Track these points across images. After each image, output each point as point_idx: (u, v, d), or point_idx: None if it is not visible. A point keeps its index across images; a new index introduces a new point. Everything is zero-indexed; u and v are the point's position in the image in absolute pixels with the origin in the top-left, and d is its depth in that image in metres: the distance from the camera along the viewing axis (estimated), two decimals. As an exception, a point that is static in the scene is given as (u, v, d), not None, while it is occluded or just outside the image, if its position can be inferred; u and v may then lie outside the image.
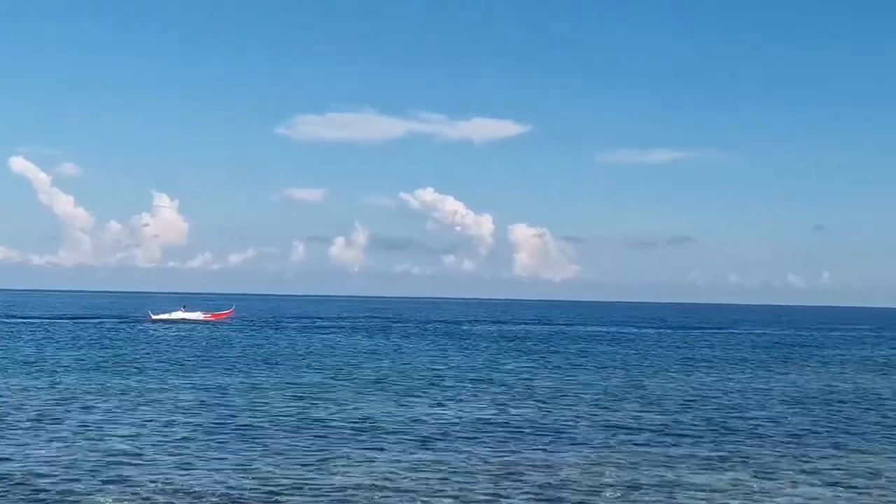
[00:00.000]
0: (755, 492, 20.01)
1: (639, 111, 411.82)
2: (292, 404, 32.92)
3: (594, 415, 31.99)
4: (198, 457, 22.63)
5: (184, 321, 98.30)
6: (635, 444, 25.93)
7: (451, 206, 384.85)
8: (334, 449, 24.15)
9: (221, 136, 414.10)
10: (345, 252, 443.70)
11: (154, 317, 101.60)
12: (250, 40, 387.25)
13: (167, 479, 20.04)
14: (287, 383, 40.13)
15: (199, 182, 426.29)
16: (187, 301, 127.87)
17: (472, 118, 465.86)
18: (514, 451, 24.33)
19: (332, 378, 42.98)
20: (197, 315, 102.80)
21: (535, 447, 25.09)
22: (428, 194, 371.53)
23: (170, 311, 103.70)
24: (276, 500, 18.49)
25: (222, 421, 28.54)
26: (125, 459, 22.05)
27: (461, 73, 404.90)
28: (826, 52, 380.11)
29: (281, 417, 29.61)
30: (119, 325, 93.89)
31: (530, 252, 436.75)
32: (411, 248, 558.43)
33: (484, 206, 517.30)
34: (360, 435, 26.55)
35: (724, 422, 30.88)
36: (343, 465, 21.96)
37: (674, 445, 25.87)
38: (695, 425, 29.93)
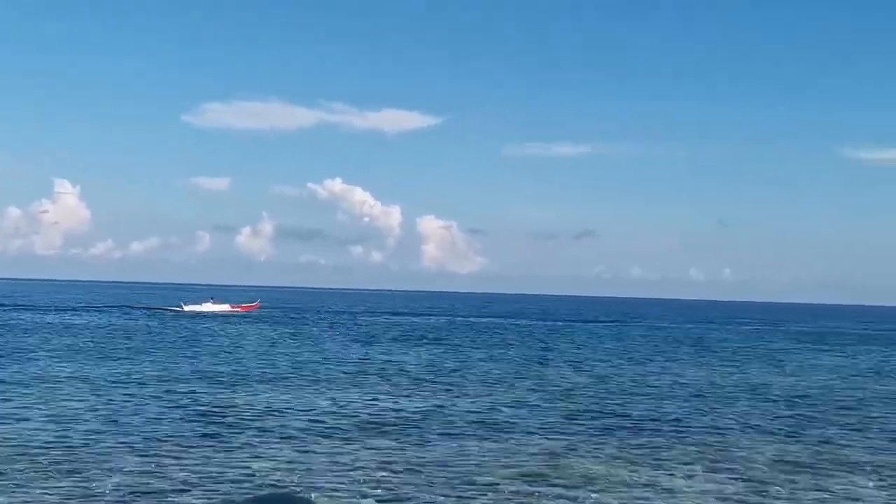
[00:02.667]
0: (647, 484, 20.42)
1: (545, 104, 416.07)
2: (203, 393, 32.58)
3: (484, 407, 32.31)
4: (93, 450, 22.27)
5: (213, 313, 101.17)
6: (516, 436, 26.24)
7: (360, 196, 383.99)
8: (233, 438, 24.01)
9: (125, 123, 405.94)
10: (251, 242, 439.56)
11: (186, 308, 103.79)
12: (156, 25, 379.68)
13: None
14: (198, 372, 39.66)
15: (102, 169, 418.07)
16: (214, 293, 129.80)
17: (382, 109, 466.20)
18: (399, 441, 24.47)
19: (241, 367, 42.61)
20: (225, 307, 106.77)
21: (431, 438, 25.29)
22: (336, 185, 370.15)
23: (200, 303, 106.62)
24: (181, 490, 18.25)
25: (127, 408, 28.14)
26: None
27: (371, 64, 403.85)
28: (731, 47, 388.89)
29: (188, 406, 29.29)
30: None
31: (438, 244, 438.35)
32: (319, 239, 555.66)
33: (392, 198, 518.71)
34: (261, 425, 26.40)
35: (614, 412, 31.57)
36: (245, 455, 21.81)
37: (564, 437, 26.32)
38: (583, 415, 30.54)
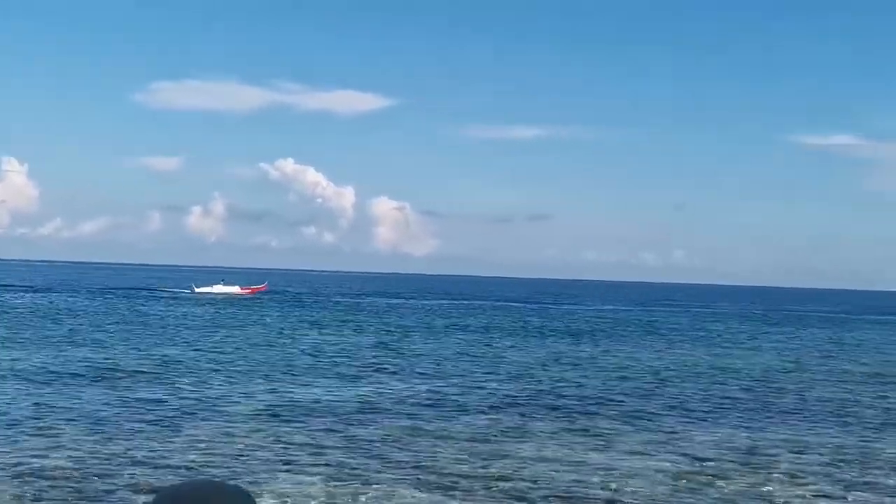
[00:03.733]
0: (593, 464, 20.67)
1: (501, 87, 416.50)
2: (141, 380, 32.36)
3: (431, 386, 32.49)
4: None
5: (224, 294, 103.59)
6: (460, 416, 26.42)
7: (312, 177, 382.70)
8: (183, 423, 23.95)
9: (75, 101, 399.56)
10: (202, 222, 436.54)
11: (197, 290, 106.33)
12: (104, 3, 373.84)
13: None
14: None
15: (51, 147, 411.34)
16: (225, 275, 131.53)
17: (335, 90, 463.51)
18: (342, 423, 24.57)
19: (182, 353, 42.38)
20: (235, 289, 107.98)
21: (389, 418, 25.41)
22: (288, 165, 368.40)
23: (211, 285, 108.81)
24: (127, 474, 18.18)
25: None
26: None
27: (324, 44, 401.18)
28: (685, 34, 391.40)
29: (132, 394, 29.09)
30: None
31: (391, 225, 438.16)
32: (271, 220, 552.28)
33: (345, 179, 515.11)
34: (202, 412, 26.33)
35: (556, 393, 31.89)
36: (183, 443, 21.76)
37: (506, 416, 26.57)
38: (527, 395, 30.84)
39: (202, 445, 21.30)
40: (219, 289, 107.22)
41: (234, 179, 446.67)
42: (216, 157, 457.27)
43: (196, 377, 33.24)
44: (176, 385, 31.15)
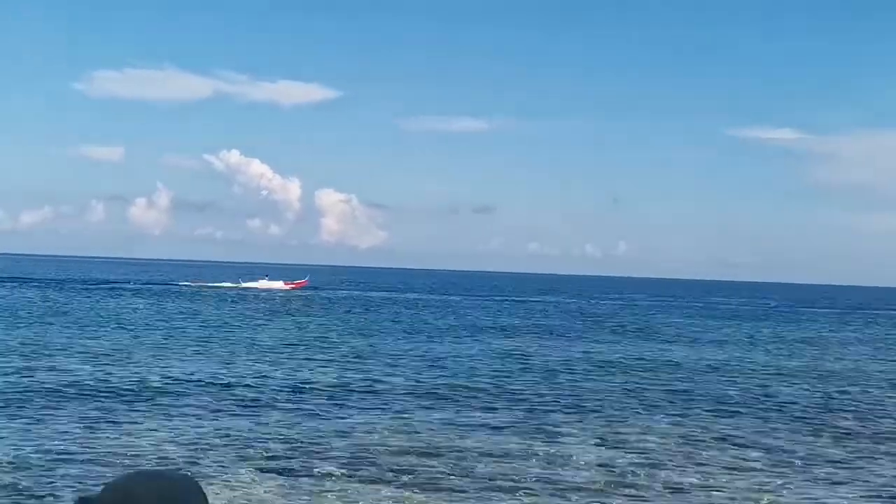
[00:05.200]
0: (545, 455, 20.85)
1: (445, 79, 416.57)
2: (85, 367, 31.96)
3: (371, 379, 32.51)
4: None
5: (268, 289, 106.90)
6: (409, 409, 26.48)
7: (257, 169, 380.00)
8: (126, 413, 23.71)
9: (11, 89, 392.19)
10: (145, 213, 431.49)
11: (244, 284, 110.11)
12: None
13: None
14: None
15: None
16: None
17: (279, 80, 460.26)
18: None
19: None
20: (279, 284, 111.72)
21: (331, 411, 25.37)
22: (233, 156, 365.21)
23: (256, 280, 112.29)
24: (70, 467, 17.95)
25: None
26: None
27: (268, 34, 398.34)
28: (628, 27, 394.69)
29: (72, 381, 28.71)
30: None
31: (337, 218, 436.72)
32: (215, 211, 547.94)
33: (291, 170, 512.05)
34: (155, 399, 26.09)
35: (495, 385, 32.06)
36: (139, 432, 21.56)
37: (454, 410, 26.64)
38: (476, 387, 30.99)
39: (148, 437, 21.11)
40: (264, 283, 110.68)
41: (177, 170, 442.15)
42: (159, 148, 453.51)
43: (139, 366, 32.89)
44: (111, 373, 30.80)
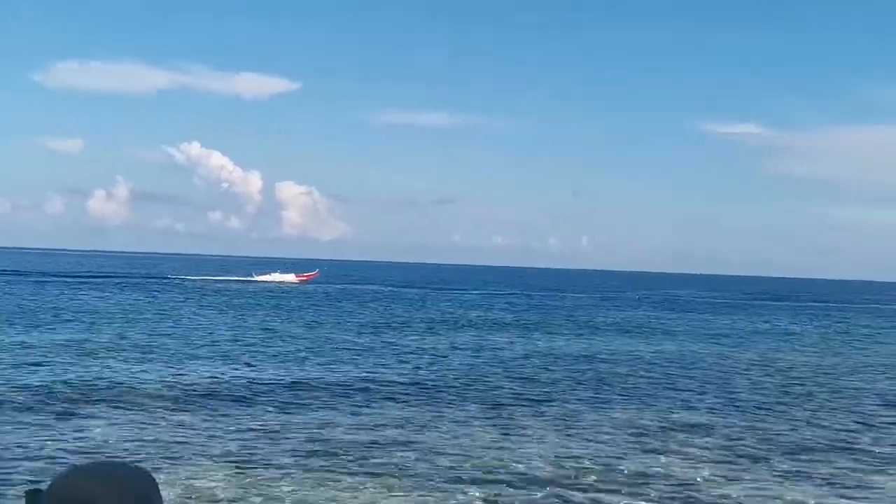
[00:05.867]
0: (507, 448, 20.91)
1: (408, 72, 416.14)
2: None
3: (331, 373, 32.45)
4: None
5: (281, 282, 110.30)
6: (372, 403, 26.40)
7: (218, 161, 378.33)
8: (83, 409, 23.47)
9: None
10: (105, 206, 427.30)
11: (258, 277, 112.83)
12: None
13: None
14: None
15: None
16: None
17: (242, 73, 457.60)
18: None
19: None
20: (290, 277, 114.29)
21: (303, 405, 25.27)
22: (193, 149, 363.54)
23: (270, 273, 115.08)
24: (21, 461, 17.75)
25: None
26: None
27: (230, 26, 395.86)
28: (591, 25, 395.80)
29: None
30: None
31: (298, 210, 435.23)
32: (175, 204, 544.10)
33: (252, 163, 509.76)
34: (116, 396, 25.84)
35: (460, 380, 32.05)
36: (92, 426, 21.35)
37: (419, 405, 26.61)
38: (437, 382, 30.97)
39: (101, 430, 20.90)
40: (277, 277, 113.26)
41: (137, 163, 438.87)
42: (119, 140, 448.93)
43: (96, 360, 32.58)
44: (100, 368, 30.53)
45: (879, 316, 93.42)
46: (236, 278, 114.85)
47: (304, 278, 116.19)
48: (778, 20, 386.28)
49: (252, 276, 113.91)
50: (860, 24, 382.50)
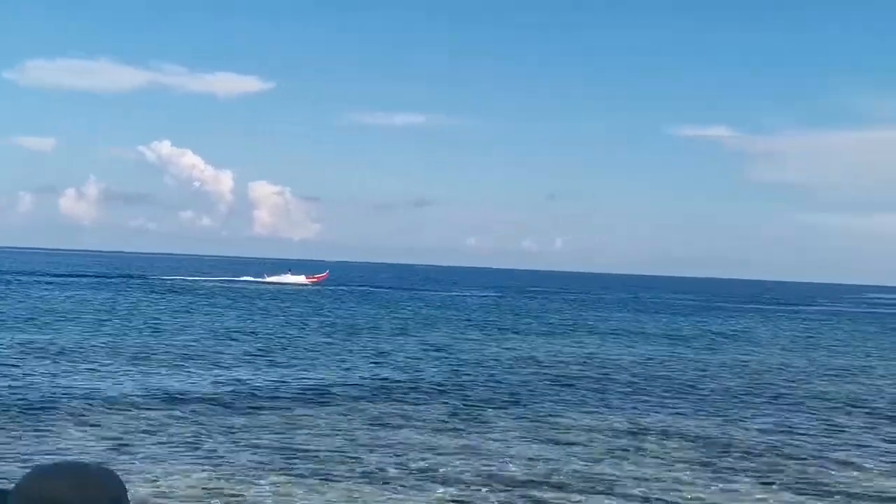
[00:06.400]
0: (478, 449, 20.91)
1: (385, 73, 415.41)
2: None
3: (304, 374, 32.40)
4: None
5: (292, 284, 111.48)
6: (339, 403, 26.41)
7: (190, 160, 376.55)
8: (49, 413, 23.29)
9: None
10: (76, 205, 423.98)
11: (269, 278, 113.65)
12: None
13: None
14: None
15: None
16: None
17: (216, 72, 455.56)
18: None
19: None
20: (301, 278, 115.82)
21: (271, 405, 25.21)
22: (165, 148, 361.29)
23: (280, 274, 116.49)
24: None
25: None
26: None
27: (204, 26, 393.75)
28: (564, 27, 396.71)
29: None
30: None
31: (270, 210, 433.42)
32: (148, 203, 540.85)
33: (224, 163, 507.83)
34: (84, 399, 25.67)
35: (431, 380, 32.06)
36: (62, 428, 21.20)
37: (379, 403, 26.66)
38: (404, 382, 30.98)
39: (71, 433, 20.74)
40: (288, 278, 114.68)
41: (109, 161, 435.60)
42: (91, 139, 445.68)
43: (57, 365, 32.35)
44: (33, 372, 30.26)
45: (850, 319, 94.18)
46: (249, 279, 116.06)
47: (315, 280, 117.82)
48: (747, 24, 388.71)
49: (264, 278, 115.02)
50: (835, 29, 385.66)
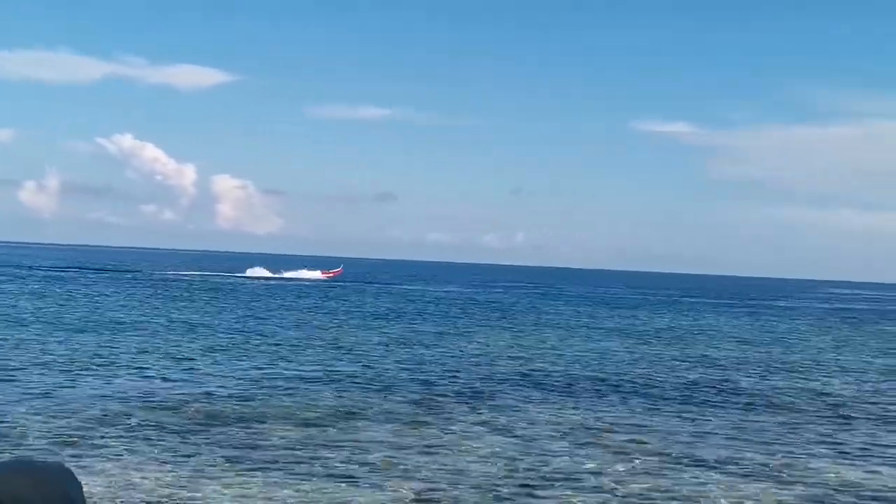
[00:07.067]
0: (438, 445, 20.92)
1: (347, 67, 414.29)
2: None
3: (263, 368, 32.33)
4: None
5: (308, 279, 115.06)
6: (302, 395, 26.48)
7: (152, 153, 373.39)
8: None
9: None
10: (35, 198, 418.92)
11: (286, 273, 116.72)
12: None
13: None
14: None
15: None
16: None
17: (178, 64, 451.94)
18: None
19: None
20: (317, 274, 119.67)
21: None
22: (127, 140, 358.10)
23: (297, 270, 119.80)
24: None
25: None
26: None
27: (165, 17, 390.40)
28: (529, 25, 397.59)
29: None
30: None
31: (233, 204, 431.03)
32: (109, 196, 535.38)
33: (187, 156, 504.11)
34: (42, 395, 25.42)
35: (392, 375, 32.09)
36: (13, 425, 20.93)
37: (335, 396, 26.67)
38: (369, 375, 30.99)
39: (24, 430, 20.48)
40: (304, 273, 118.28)
41: (69, 154, 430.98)
42: (51, 131, 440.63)
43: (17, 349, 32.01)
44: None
45: (809, 314, 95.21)
46: (269, 275, 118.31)
47: (330, 275, 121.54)
48: (709, 20, 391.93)
49: (281, 273, 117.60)
50: (793, 25, 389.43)
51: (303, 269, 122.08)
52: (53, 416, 21.93)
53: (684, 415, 26.44)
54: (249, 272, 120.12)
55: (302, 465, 18.26)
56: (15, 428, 20.49)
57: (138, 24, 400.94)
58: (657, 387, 32.27)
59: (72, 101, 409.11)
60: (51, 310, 52.91)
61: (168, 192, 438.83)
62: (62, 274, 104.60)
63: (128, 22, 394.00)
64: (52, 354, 33.04)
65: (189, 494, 16.02)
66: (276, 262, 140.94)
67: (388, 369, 33.63)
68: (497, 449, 20.61)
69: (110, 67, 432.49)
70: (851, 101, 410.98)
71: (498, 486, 17.51)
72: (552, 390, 30.33)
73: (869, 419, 27.14)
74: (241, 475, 17.37)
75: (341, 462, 18.72)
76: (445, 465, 18.89)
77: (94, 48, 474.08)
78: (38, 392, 25.15)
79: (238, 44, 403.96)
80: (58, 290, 72.37)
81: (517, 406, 26.61)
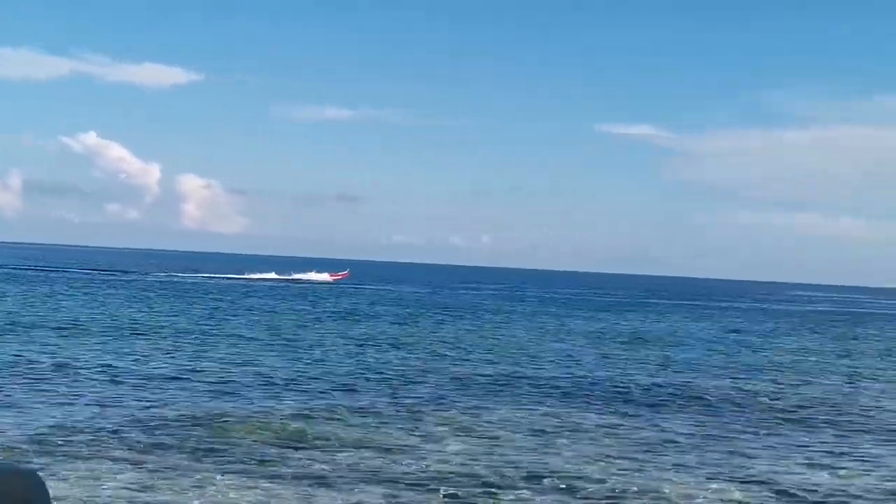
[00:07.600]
0: (406, 447, 20.90)
1: (315, 66, 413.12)
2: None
3: (223, 369, 32.19)
4: None
5: (318, 281, 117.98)
6: (270, 397, 26.44)
7: (116, 152, 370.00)
8: None
9: None
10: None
11: (295, 276, 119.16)
12: None
13: None
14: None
15: None
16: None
17: (142, 62, 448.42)
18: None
19: None
20: (325, 276, 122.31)
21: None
22: (90, 139, 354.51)
23: (306, 272, 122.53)
24: None
25: None
26: None
27: (130, 15, 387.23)
28: (499, 28, 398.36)
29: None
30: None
31: (198, 203, 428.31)
32: (72, 195, 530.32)
33: (151, 155, 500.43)
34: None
35: (364, 375, 32.07)
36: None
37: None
38: (336, 377, 30.93)
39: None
40: (313, 276, 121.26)
41: (32, 152, 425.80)
42: (13, 129, 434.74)
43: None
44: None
45: (773, 317, 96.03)
46: (279, 277, 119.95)
47: (338, 277, 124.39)
48: (673, 25, 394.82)
49: (290, 275, 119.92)
50: (759, 30, 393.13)
51: (312, 271, 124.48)
52: (20, 418, 21.66)
53: (647, 416, 26.58)
54: (253, 275, 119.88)
55: (268, 467, 18.17)
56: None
57: (101, 23, 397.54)
58: (621, 388, 32.43)
59: (35, 99, 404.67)
60: (11, 310, 52.28)
61: (132, 191, 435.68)
62: (29, 273, 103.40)
63: (91, 20, 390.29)
64: (15, 357, 32.63)
65: (156, 498, 15.88)
66: (241, 262, 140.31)
67: (351, 368, 33.57)
68: (461, 449, 20.62)
69: (74, 65, 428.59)
70: (812, 105, 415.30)
71: (462, 486, 17.50)
72: (517, 391, 30.39)
73: (830, 422, 27.41)
74: (208, 477, 17.25)
75: (307, 464, 18.64)
76: (412, 466, 18.86)
77: (57, 46, 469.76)
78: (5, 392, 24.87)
79: (203, 43, 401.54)
80: (45, 291, 71.53)
81: (482, 407, 26.64)
